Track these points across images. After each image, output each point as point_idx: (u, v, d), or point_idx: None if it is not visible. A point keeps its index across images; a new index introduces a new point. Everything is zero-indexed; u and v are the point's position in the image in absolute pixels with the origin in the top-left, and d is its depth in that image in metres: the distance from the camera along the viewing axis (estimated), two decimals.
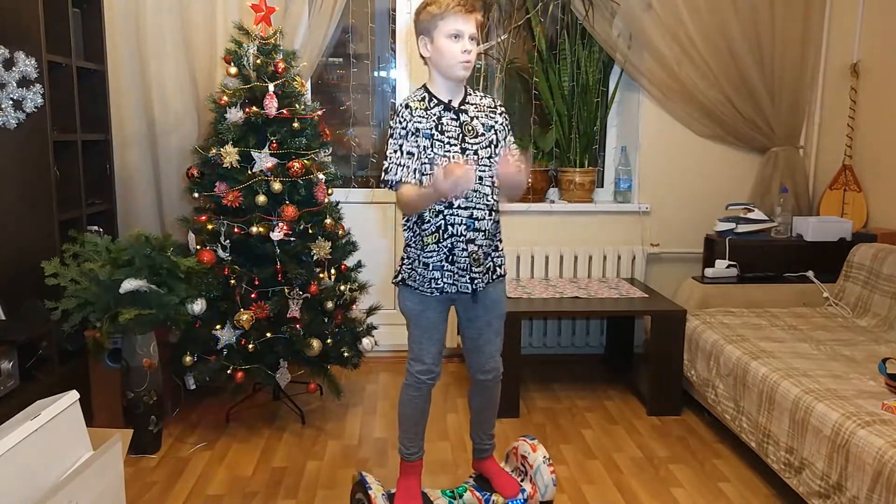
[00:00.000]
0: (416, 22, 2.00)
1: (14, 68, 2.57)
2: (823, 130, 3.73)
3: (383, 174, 2.00)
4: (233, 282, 2.76)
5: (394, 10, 3.69)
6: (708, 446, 2.81)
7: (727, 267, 3.38)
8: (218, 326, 2.74)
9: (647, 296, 3.28)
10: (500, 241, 2.13)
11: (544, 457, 2.26)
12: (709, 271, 3.40)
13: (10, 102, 2.59)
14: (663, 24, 3.48)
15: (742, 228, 3.45)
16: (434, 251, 2.03)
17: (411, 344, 2.14)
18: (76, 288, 2.50)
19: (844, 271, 3.24)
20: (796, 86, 3.62)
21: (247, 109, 2.75)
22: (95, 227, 3.01)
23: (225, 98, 2.77)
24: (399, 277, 2.12)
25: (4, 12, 2.54)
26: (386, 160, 1.99)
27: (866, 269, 3.10)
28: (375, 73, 3.86)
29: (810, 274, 3.38)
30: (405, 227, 2.08)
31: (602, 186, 3.93)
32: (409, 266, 2.08)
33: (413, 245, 2.06)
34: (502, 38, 3.57)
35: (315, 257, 2.83)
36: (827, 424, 2.08)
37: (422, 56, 2.02)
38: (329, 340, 2.86)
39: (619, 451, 2.76)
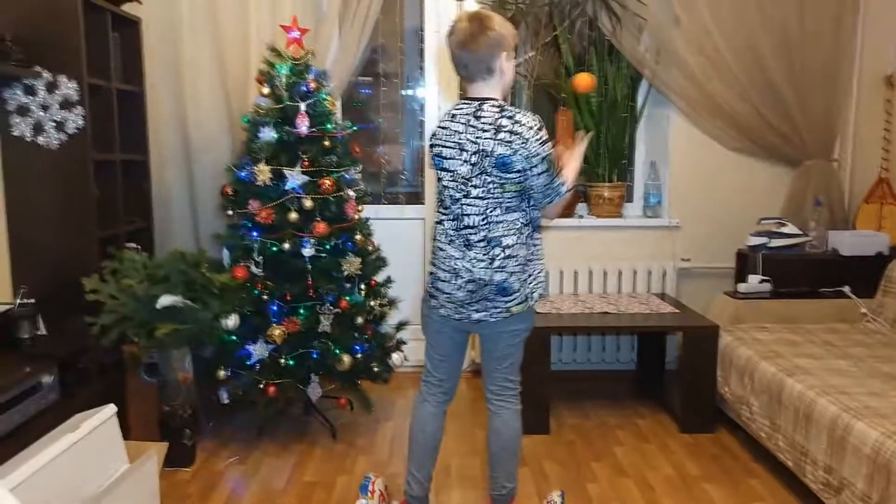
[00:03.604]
0: (504, 39, 2.00)
1: (56, 91, 2.66)
2: (858, 143, 3.67)
3: (567, 182, 2.05)
4: (265, 297, 2.80)
5: (422, 30, 3.74)
6: (743, 465, 2.75)
7: (760, 282, 3.33)
8: (251, 342, 2.78)
9: (678, 311, 3.25)
10: None
11: None
12: (742, 286, 3.36)
13: (53, 124, 2.68)
14: (691, 39, 3.47)
15: (775, 243, 3.40)
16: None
17: (521, 362, 2.20)
18: (115, 303, 2.56)
19: (883, 286, 3.17)
20: (829, 98, 3.57)
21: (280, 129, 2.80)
22: (133, 244, 3.09)
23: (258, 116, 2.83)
24: (535, 298, 2.13)
25: (49, 38, 2.63)
26: (555, 168, 2.02)
27: None
28: (404, 92, 3.91)
29: (847, 289, 3.31)
30: (525, 244, 2.07)
31: (631, 201, 3.91)
32: (538, 281, 2.14)
33: (534, 259, 2.12)
34: (530, 55, 3.60)
35: (345, 273, 2.86)
36: (867, 443, 2.03)
37: (492, 73, 2.01)
38: (359, 355, 2.88)
39: (651, 469, 2.72)
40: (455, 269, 2.07)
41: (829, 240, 3.47)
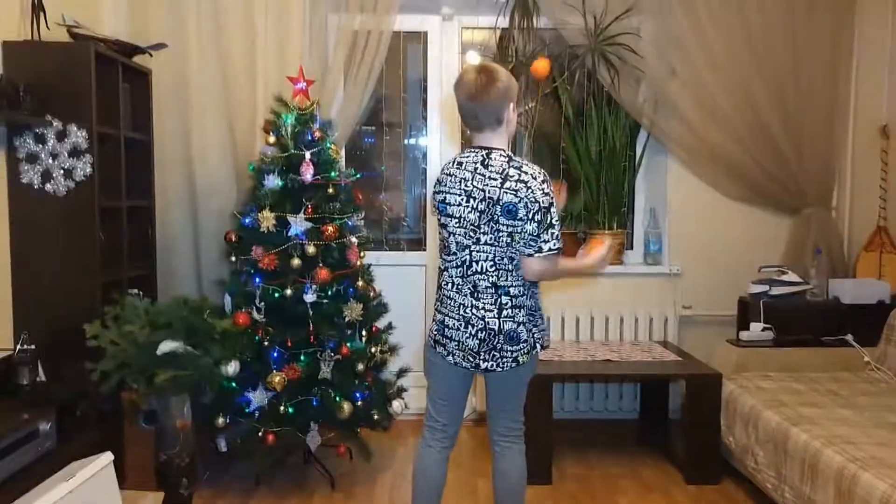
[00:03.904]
0: (511, 89, 2.06)
1: (66, 139, 2.71)
2: (856, 192, 3.71)
3: (559, 242, 2.04)
4: (266, 343, 2.79)
5: (425, 81, 3.82)
6: None
7: (763, 330, 3.32)
8: (250, 388, 2.76)
9: (680, 359, 3.23)
10: None
11: None
12: (744, 334, 3.34)
13: (62, 172, 2.71)
14: (688, 89, 3.54)
15: (776, 291, 3.40)
16: None
17: (525, 403, 2.22)
18: (115, 349, 2.55)
19: (885, 334, 3.16)
20: (825, 147, 3.62)
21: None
22: (135, 290, 3.09)
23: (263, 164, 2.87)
24: (538, 347, 2.15)
25: (61, 88, 2.69)
26: (554, 228, 2.02)
27: None
28: (407, 141, 3.97)
29: (850, 338, 3.30)
30: (529, 295, 2.11)
31: (632, 248, 3.93)
32: (541, 329, 2.16)
33: (537, 308, 2.14)
34: (530, 105, 3.67)
35: (347, 319, 2.86)
36: (874, 495, 2.00)
37: (501, 123, 2.07)
38: (359, 402, 2.86)
39: None
40: (466, 317, 2.08)
41: (829, 288, 3.47)
